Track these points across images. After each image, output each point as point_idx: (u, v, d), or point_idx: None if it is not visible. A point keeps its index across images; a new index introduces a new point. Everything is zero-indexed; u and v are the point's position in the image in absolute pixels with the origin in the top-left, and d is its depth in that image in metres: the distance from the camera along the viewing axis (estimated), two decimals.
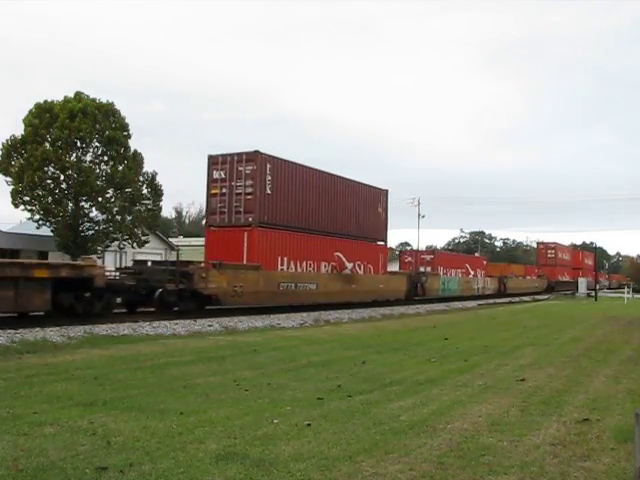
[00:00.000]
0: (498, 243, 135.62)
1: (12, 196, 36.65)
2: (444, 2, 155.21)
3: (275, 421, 6.65)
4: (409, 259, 44.45)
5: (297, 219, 26.40)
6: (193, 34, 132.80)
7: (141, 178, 39.12)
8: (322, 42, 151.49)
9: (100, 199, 37.79)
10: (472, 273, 48.68)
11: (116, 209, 38.28)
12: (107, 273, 19.41)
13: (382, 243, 33.50)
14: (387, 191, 33.66)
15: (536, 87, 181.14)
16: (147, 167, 39.43)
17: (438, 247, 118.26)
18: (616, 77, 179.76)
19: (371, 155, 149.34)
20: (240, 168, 24.45)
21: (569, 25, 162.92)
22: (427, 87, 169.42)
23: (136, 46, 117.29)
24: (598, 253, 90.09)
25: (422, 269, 41.01)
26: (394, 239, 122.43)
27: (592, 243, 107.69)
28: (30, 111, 36.58)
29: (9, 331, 13.94)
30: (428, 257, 43.84)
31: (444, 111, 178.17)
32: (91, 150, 37.76)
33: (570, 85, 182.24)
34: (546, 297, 55.05)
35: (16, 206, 37.00)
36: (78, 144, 36.88)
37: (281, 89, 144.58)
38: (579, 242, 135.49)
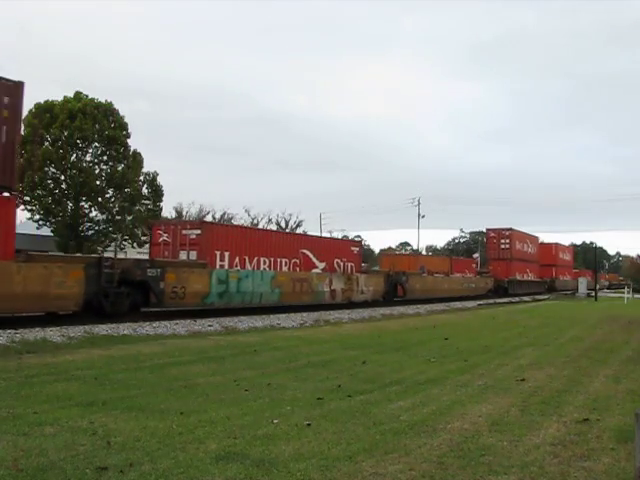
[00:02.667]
0: None
1: None
2: (415, 2, 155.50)
3: (275, 421, 6.65)
4: (165, 237, 23.92)
5: None
6: (172, 35, 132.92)
7: (141, 178, 39.17)
8: (297, 42, 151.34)
9: (100, 199, 37.86)
10: (321, 266, 28.43)
11: (116, 209, 38.35)
12: None
13: (5, 195, 16.34)
14: (21, 85, 16.45)
15: (530, 86, 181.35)
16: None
17: (438, 247, 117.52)
18: (596, 78, 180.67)
19: (364, 155, 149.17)
20: None
21: (541, 26, 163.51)
22: (414, 87, 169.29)
23: (111, 47, 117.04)
24: (598, 253, 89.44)
25: (184, 255, 22.76)
26: (394, 239, 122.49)
27: (592, 243, 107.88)
28: (30, 111, 36.63)
29: (9, 331, 13.95)
30: (193, 233, 22.95)
31: (439, 111, 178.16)
32: (91, 150, 37.84)
33: (565, 84, 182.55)
34: (546, 297, 54.78)
35: (16, 206, 37.01)
36: (79, 144, 36.94)
37: (260, 89, 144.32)
38: (579, 242, 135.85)
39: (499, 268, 51.92)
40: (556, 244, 69.41)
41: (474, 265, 50.42)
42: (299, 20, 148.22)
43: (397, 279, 34.81)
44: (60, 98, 37.30)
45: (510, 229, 53.99)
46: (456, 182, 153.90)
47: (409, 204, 65.23)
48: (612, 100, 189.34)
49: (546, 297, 54.61)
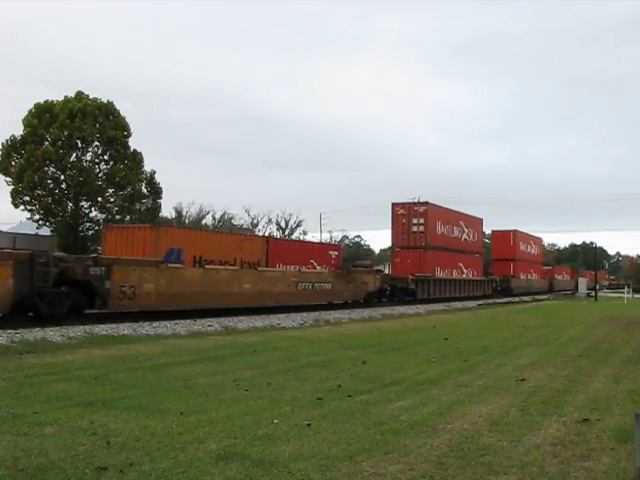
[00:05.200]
0: None
1: (12, 196, 36.70)
2: (402, 2, 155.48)
3: (275, 421, 6.64)
4: None
5: None
6: (155, 35, 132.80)
7: (141, 177, 39.20)
8: (282, 43, 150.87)
9: (100, 199, 37.87)
10: None
11: (116, 209, 38.37)
12: None
13: None
14: None
15: (525, 85, 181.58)
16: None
17: None
18: (575, 78, 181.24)
19: (361, 155, 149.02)
20: None
21: (528, 26, 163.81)
22: (404, 87, 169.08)
23: (98, 48, 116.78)
24: (598, 253, 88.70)
25: None
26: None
27: (592, 243, 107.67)
28: (29, 111, 36.64)
29: (9, 331, 13.94)
30: None
31: (432, 111, 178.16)
32: (91, 150, 37.86)
33: (559, 84, 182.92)
34: (546, 297, 54.53)
35: (16, 206, 37.07)
36: (79, 144, 36.94)
37: (249, 90, 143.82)
38: (579, 242, 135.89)
39: (409, 260, 35.23)
40: (515, 231, 54.05)
41: (335, 254, 30.20)
42: (280, 20, 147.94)
43: (76, 273, 17.34)
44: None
45: (426, 203, 37.35)
46: (455, 182, 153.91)
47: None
48: (605, 100, 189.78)
49: (546, 297, 54.47)
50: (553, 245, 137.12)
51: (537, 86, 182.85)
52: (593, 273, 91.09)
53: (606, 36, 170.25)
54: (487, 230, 56.01)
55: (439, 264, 38.00)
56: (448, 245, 39.81)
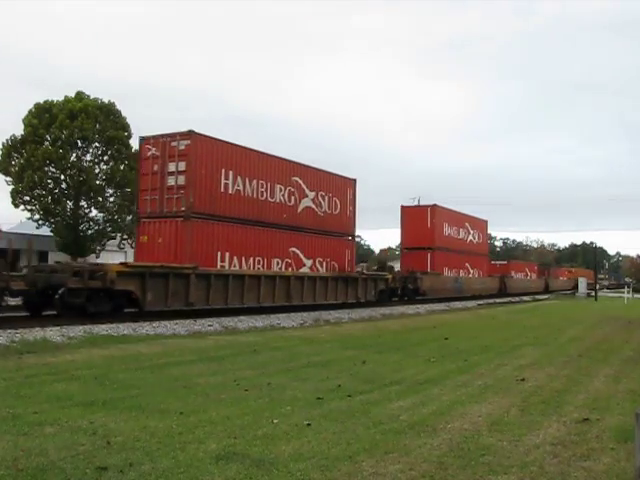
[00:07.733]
0: (498, 243, 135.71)
1: (12, 196, 36.72)
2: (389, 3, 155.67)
3: (275, 421, 6.64)
4: None
5: None
6: (141, 36, 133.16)
7: None
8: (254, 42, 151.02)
9: (100, 198, 37.89)
10: None
11: (115, 209, 38.38)
12: None
13: None
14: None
15: (519, 86, 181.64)
16: None
17: None
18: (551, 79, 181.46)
19: (357, 156, 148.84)
20: None
21: (491, 26, 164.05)
22: (396, 88, 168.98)
23: (80, 47, 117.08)
24: (598, 253, 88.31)
25: None
26: (394, 239, 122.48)
27: (592, 243, 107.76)
28: (30, 111, 36.66)
29: (9, 331, 13.93)
30: None
31: (429, 111, 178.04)
32: (91, 150, 37.88)
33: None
34: (546, 297, 54.43)
35: (16, 206, 37.08)
36: (79, 144, 36.97)
37: (230, 89, 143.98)
38: (579, 242, 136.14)
39: (160, 239, 19.89)
40: (434, 207, 36.63)
41: None
42: (265, 22, 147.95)
43: None
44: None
45: (189, 134, 19.59)
46: (452, 183, 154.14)
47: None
48: (601, 100, 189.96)
49: (546, 297, 54.38)
50: (553, 245, 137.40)
51: (530, 87, 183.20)
52: (572, 270, 78.40)
53: (588, 37, 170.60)
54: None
55: (229, 249, 21.05)
56: (260, 215, 22.37)
